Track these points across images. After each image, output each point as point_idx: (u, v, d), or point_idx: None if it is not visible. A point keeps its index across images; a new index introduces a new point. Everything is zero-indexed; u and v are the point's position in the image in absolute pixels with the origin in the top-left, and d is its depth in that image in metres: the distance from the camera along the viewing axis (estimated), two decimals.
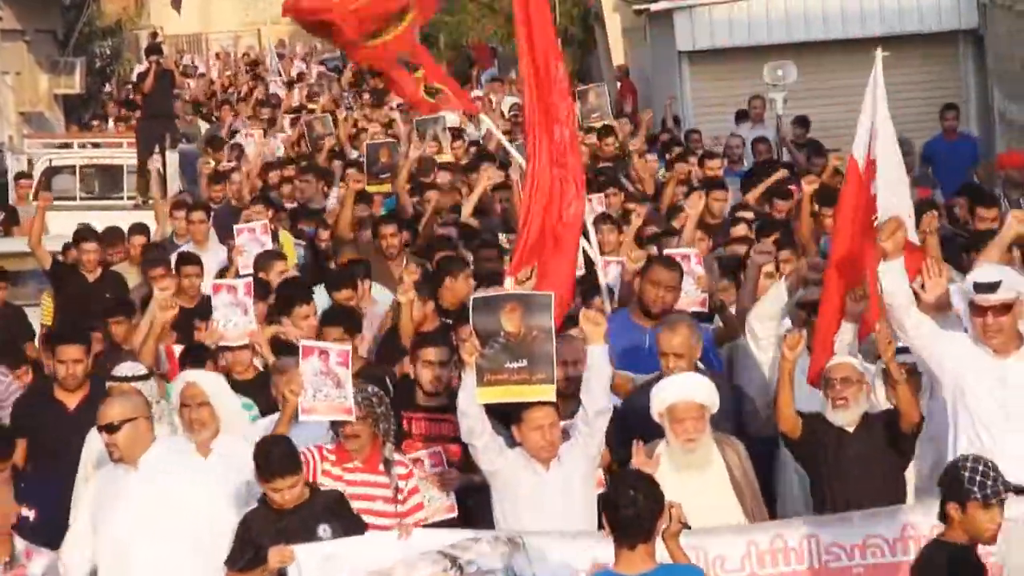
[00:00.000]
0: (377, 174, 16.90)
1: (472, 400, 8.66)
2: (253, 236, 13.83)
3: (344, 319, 10.67)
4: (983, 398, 8.62)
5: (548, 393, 8.69)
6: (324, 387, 8.81)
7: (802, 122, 20.63)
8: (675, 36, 26.85)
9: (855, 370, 8.97)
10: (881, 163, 9.39)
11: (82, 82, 37.38)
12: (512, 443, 8.77)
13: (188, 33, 52.94)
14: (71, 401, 10.46)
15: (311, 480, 8.60)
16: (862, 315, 9.40)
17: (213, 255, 14.58)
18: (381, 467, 8.84)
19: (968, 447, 8.37)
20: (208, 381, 9.12)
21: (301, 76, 35.41)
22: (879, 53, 9.36)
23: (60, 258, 15.10)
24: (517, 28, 11.14)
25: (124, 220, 18.34)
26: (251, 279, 11.12)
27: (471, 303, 8.90)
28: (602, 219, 13.45)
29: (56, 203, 21.75)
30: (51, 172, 22.88)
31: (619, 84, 30.11)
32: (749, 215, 14.47)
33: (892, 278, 8.69)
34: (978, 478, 6.92)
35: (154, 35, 40.45)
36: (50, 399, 10.53)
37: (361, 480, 8.81)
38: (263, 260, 13.11)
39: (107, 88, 40.31)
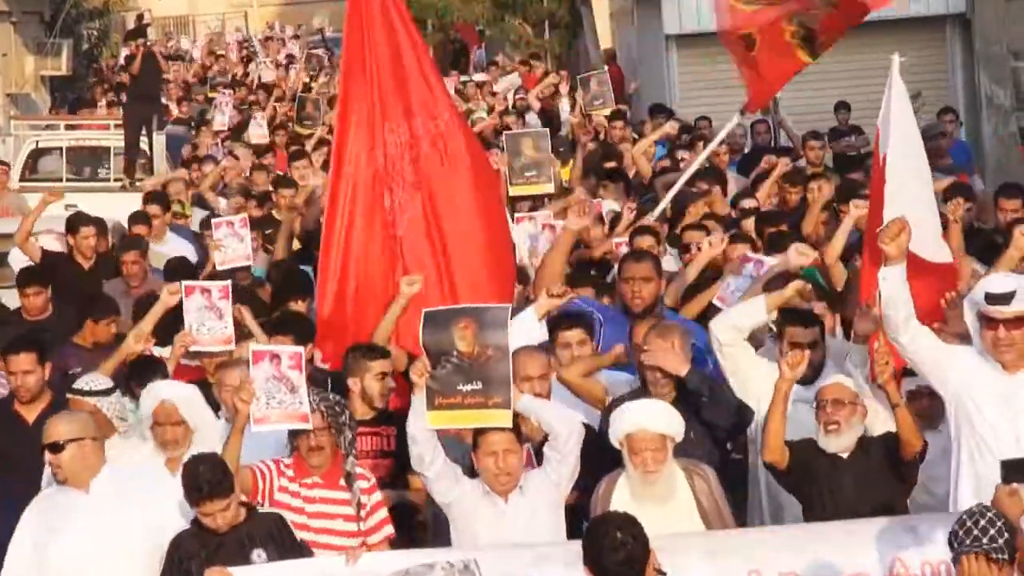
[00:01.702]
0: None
1: (423, 425, 7.84)
2: (232, 230, 13.13)
3: (295, 327, 9.87)
4: (990, 417, 7.74)
5: (504, 419, 7.81)
6: (277, 393, 7.99)
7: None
8: (662, 19, 26.89)
9: (848, 391, 8.09)
10: (893, 161, 8.78)
11: (69, 64, 37.32)
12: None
13: (175, 15, 52.82)
14: (30, 414, 9.58)
15: (263, 499, 7.98)
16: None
17: (170, 247, 14.26)
18: (342, 482, 8.04)
19: (972, 466, 7.72)
20: (182, 397, 8.48)
21: (291, 58, 35.31)
22: (896, 58, 8.82)
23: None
24: (339, 92, 10.62)
25: (111, 202, 18.34)
26: (230, 283, 10.22)
27: (422, 317, 8.05)
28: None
29: (43, 184, 21.75)
30: (38, 154, 22.80)
31: (606, 67, 30.09)
32: (752, 203, 14.05)
33: (891, 284, 7.87)
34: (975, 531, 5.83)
35: (140, 17, 40.26)
36: (9, 412, 9.68)
37: (321, 497, 8.02)
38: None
39: (95, 69, 40.18)
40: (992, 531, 5.80)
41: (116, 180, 22.50)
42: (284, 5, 54.97)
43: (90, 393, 8.88)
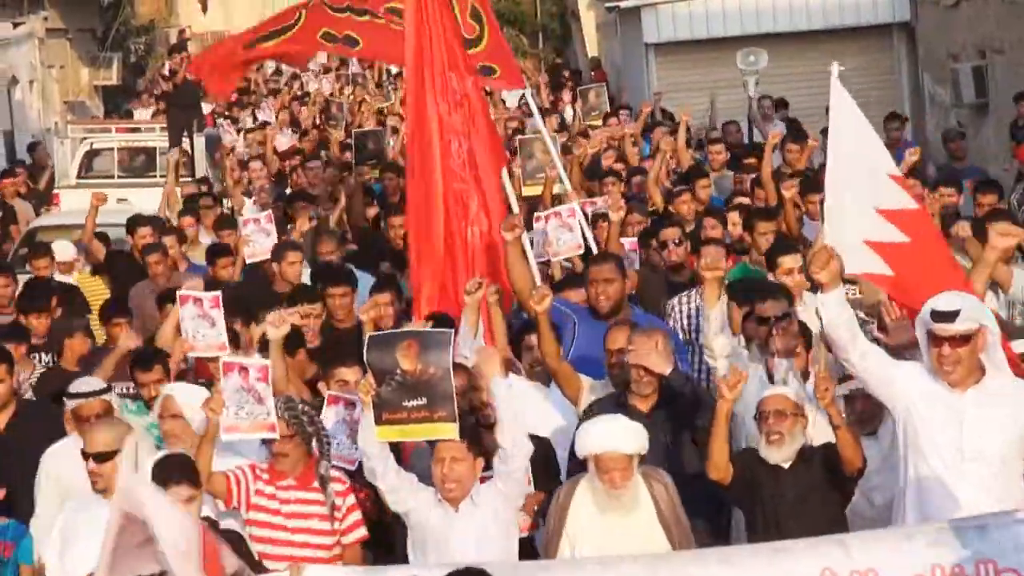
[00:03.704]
0: (365, 160, 16.44)
1: (371, 439, 7.26)
2: (259, 226, 12.68)
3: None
4: (936, 433, 6.92)
5: (451, 432, 7.19)
6: (246, 404, 7.48)
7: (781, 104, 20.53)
8: (642, 30, 27.04)
9: (790, 402, 7.30)
10: (833, 164, 7.75)
11: (119, 74, 37.22)
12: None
13: (213, 31, 52.66)
14: None
15: (239, 503, 7.50)
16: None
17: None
18: (316, 484, 7.53)
19: (917, 482, 6.97)
20: (183, 395, 7.90)
21: (327, 69, 34.85)
22: (835, 67, 7.86)
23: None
24: (407, 38, 9.93)
25: (157, 196, 18.22)
26: (219, 293, 9.42)
27: (366, 340, 7.48)
28: (600, 216, 12.59)
29: (96, 181, 21.65)
30: (92, 154, 22.72)
31: (592, 73, 30.01)
32: (745, 200, 13.34)
33: (831, 309, 7.03)
34: None
35: (182, 33, 40.13)
36: None
37: (295, 498, 7.50)
38: (279, 251, 12.07)
39: (141, 80, 40.07)
40: None
41: (161, 177, 22.39)
42: None
43: (91, 394, 8.08)
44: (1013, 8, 20.49)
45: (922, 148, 20.49)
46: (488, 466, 7.31)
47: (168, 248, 12.81)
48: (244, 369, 7.53)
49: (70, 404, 8.14)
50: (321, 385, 8.54)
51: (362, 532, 7.53)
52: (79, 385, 8.21)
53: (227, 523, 7.47)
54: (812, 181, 12.83)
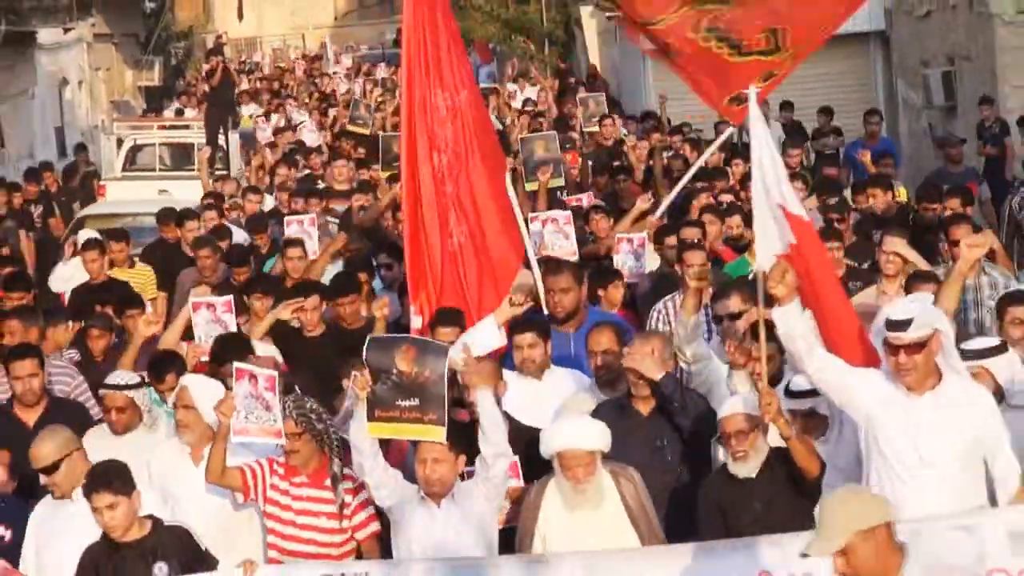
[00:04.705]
0: (390, 162, 16.15)
1: (363, 434, 7.05)
2: (301, 228, 12.60)
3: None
4: (895, 438, 6.62)
5: (438, 434, 7.01)
6: (255, 410, 7.29)
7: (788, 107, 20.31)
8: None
9: (747, 420, 6.90)
10: (756, 175, 7.25)
11: (160, 76, 37.32)
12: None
13: (246, 36, 52.77)
14: (30, 417, 8.46)
15: (256, 495, 7.33)
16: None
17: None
18: (327, 482, 7.35)
19: (880, 488, 6.60)
20: (197, 387, 7.66)
21: (358, 70, 34.68)
22: (753, 89, 7.44)
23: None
24: (402, 60, 9.53)
25: (195, 188, 18.38)
26: (231, 298, 9.24)
27: (367, 341, 7.26)
28: (594, 209, 12.49)
29: (139, 173, 21.83)
30: (136, 149, 22.85)
31: (604, 94, 30.06)
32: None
33: (786, 322, 6.67)
34: None
35: (218, 38, 40.24)
36: (9, 416, 8.52)
37: (307, 495, 7.34)
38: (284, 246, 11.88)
39: (181, 81, 40.20)
40: None
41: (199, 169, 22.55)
42: (334, 28, 54.89)
43: (125, 387, 8.06)
44: (979, 20, 20.63)
45: (896, 143, 20.75)
46: (471, 461, 7.19)
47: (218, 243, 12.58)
48: (254, 377, 7.32)
49: (100, 393, 8.15)
50: (345, 382, 8.24)
51: (375, 527, 7.34)
52: (115, 377, 8.15)
53: (244, 513, 7.43)
54: (822, 182, 12.84)
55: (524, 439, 7.46)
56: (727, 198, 13.23)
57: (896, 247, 9.51)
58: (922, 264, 9.49)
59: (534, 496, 7.03)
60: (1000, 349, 7.53)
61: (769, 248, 7.03)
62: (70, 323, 10.39)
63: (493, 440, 6.98)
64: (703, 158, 13.25)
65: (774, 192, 7.03)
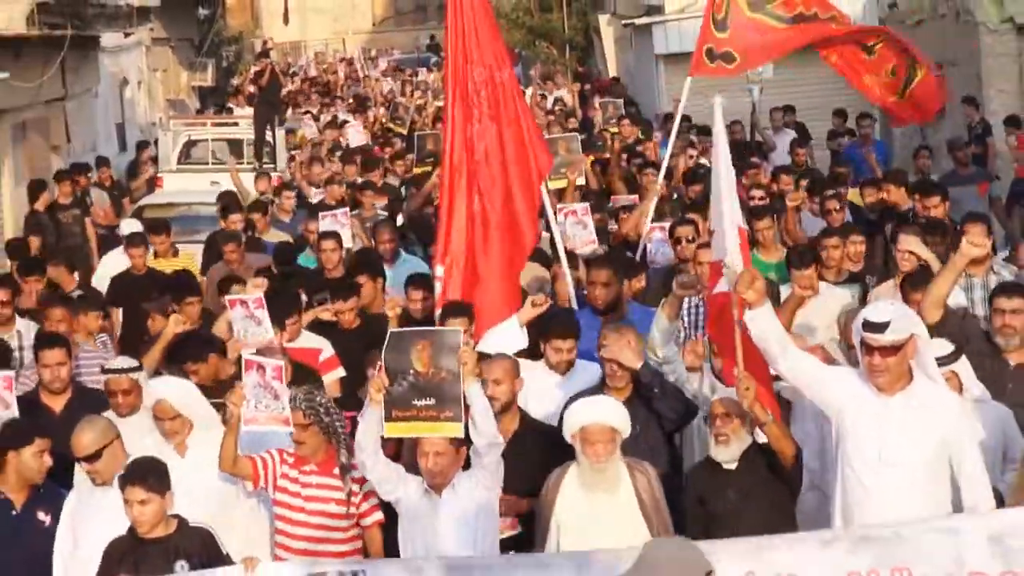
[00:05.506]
0: (423, 159, 16.25)
1: (372, 434, 6.86)
2: (336, 221, 12.34)
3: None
4: (862, 437, 6.39)
5: (456, 431, 6.84)
6: (264, 399, 7.09)
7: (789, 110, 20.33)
8: (653, 43, 27.09)
9: (736, 405, 6.82)
10: (715, 184, 7.35)
11: (213, 77, 37.70)
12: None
13: (291, 40, 53.17)
14: (57, 405, 8.27)
15: (266, 484, 7.19)
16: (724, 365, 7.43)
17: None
18: (336, 471, 7.20)
19: (844, 487, 6.44)
20: (174, 394, 7.35)
21: (398, 71, 34.63)
22: (718, 100, 7.41)
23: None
24: (446, 70, 9.47)
25: (245, 180, 18.69)
26: (261, 295, 9.08)
27: (387, 339, 7.00)
28: (623, 209, 12.51)
29: (194, 167, 22.18)
30: (190, 144, 23.12)
31: (621, 100, 30.18)
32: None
33: (759, 324, 6.58)
34: None
35: (265, 43, 40.61)
36: (37, 404, 8.27)
37: (316, 483, 7.20)
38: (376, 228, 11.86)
39: (232, 82, 40.61)
40: None
41: (248, 163, 22.88)
42: (373, 33, 55.20)
43: (129, 370, 7.88)
44: (965, 27, 20.87)
45: (888, 145, 20.93)
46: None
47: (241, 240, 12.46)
48: (262, 368, 7.14)
49: (103, 378, 7.96)
50: (370, 371, 8.09)
51: (378, 516, 7.22)
52: (116, 363, 8.04)
53: (251, 503, 7.34)
54: (820, 180, 12.92)
55: (543, 443, 7.31)
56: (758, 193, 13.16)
57: (911, 245, 9.41)
58: (934, 263, 9.24)
59: (554, 480, 6.88)
60: (954, 356, 7.34)
61: (721, 252, 7.16)
62: (102, 311, 10.22)
63: (483, 430, 6.81)
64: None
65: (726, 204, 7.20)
